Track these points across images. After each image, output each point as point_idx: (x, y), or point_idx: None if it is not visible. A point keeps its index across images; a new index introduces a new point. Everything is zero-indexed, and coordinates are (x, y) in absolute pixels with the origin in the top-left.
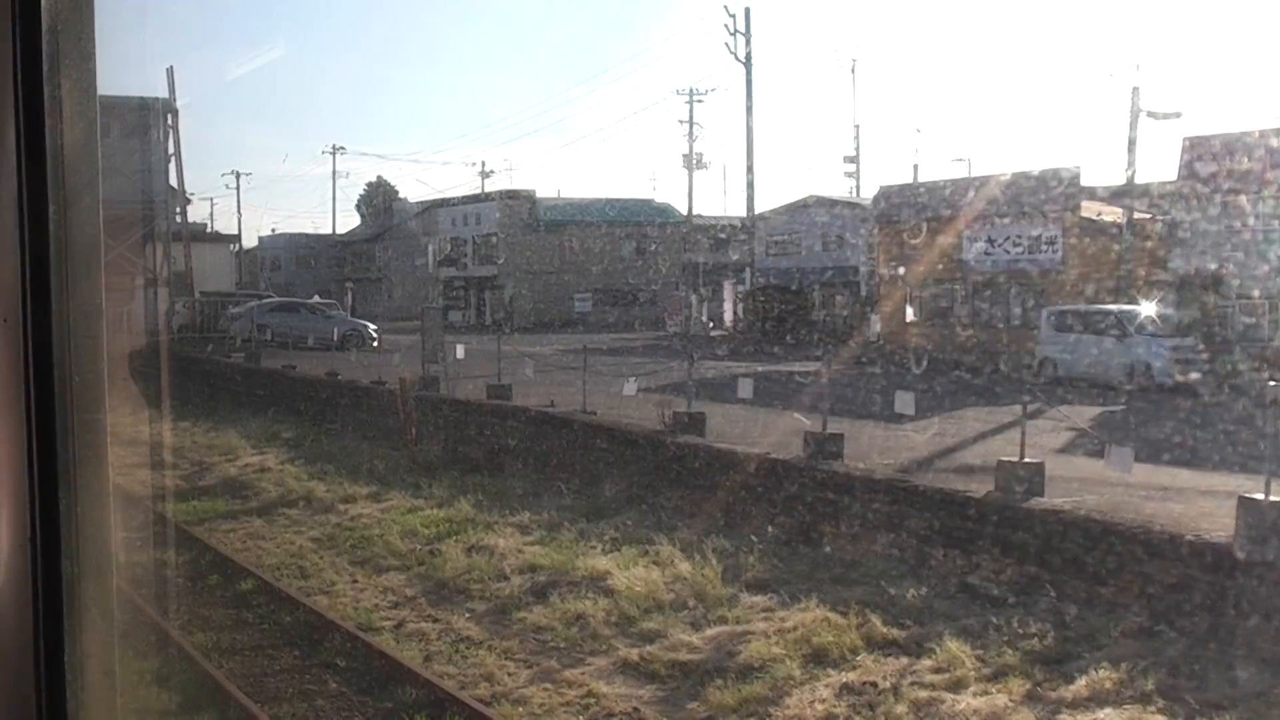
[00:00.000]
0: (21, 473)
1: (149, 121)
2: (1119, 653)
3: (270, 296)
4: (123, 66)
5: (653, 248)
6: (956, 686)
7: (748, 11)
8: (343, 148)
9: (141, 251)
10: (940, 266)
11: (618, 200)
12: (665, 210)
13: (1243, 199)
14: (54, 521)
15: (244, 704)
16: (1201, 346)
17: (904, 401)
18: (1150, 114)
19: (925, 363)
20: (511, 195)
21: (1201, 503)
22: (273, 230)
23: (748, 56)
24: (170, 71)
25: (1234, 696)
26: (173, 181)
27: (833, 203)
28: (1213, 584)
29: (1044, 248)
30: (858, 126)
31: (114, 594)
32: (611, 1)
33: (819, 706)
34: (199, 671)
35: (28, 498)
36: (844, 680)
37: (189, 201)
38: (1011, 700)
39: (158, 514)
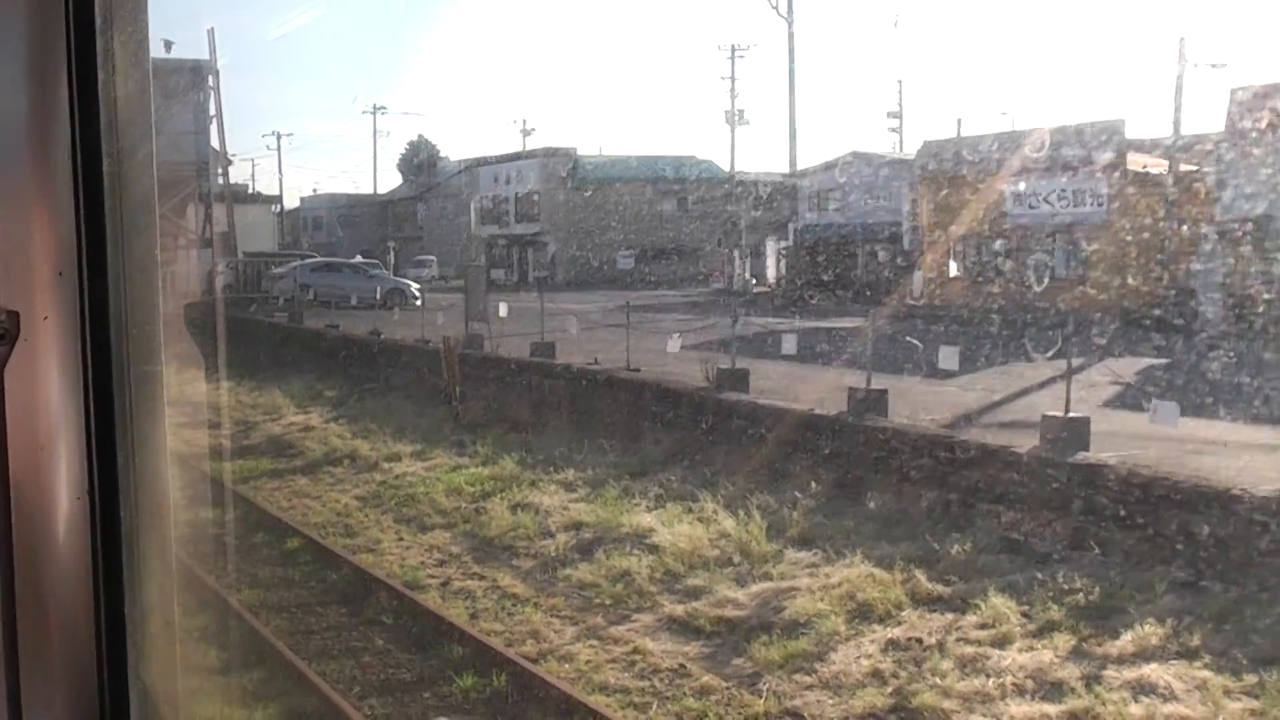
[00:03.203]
0: (80, 425)
1: (192, 82)
2: (1164, 607)
3: (313, 256)
4: (166, 27)
5: (695, 205)
6: (1002, 642)
7: None
8: (383, 107)
9: (184, 213)
10: (984, 221)
11: (659, 157)
12: (707, 167)
13: None
14: (111, 473)
15: (291, 660)
16: None
17: (948, 356)
18: (1197, 65)
19: (969, 316)
20: (552, 153)
21: (1248, 457)
22: (314, 190)
23: (790, 11)
24: (211, 32)
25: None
26: (214, 143)
27: (876, 158)
28: (1261, 538)
29: (1089, 200)
30: (900, 81)
31: (172, 546)
32: None
33: (865, 662)
34: (247, 628)
35: (85, 449)
36: (889, 636)
37: (230, 163)
38: (1057, 656)
39: (205, 472)
